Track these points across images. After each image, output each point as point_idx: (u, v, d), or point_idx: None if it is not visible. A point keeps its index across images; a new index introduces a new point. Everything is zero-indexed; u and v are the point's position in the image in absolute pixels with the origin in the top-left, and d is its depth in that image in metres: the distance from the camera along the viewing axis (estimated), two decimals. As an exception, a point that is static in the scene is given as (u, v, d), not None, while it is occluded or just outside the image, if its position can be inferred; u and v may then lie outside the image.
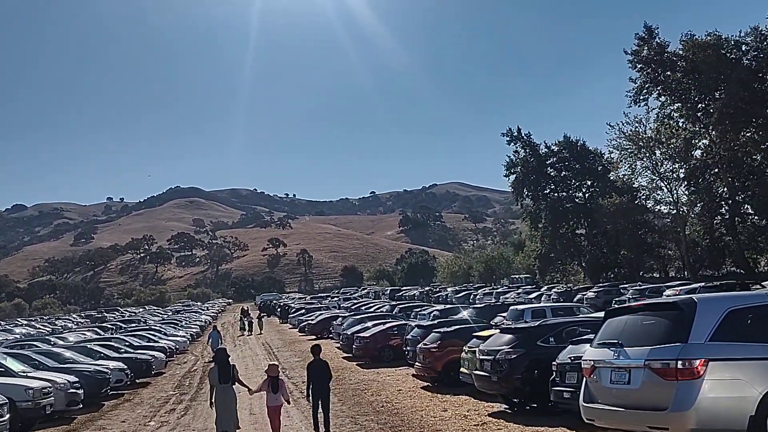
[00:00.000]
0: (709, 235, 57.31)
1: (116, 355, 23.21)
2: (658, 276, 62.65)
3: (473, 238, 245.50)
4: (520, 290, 54.83)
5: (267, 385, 10.92)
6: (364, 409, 13.97)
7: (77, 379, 15.92)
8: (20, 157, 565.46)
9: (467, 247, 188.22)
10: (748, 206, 55.00)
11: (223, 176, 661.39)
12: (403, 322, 27.35)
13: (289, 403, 11.27)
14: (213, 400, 10.60)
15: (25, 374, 14.69)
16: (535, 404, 12.02)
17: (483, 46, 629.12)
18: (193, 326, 50.41)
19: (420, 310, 35.32)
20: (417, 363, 17.81)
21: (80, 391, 15.70)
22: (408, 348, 20.40)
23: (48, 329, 58.07)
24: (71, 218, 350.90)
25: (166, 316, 68.15)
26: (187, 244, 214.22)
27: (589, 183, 68.69)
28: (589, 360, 7.89)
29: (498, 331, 13.71)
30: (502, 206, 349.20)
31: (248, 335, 46.41)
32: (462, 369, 15.32)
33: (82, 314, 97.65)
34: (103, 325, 51.69)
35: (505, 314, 26.29)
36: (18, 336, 47.46)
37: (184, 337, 39.64)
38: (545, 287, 56.54)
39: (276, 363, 12.34)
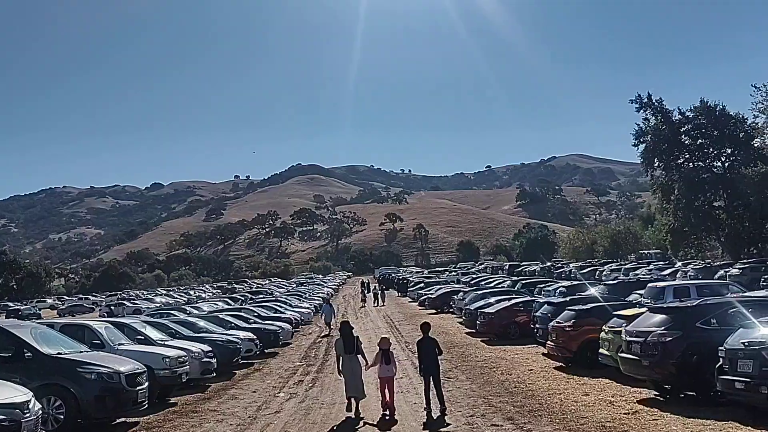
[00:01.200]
0: None
1: (246, 325, 23.91)
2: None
3: (596, 212, 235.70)
4: (651, 266, 51.49)
5: (380, 356, 11.35)
6: (496, 389, 13.22)
7: (211, 349, 16.36)
8: (158, 139, 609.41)
9: (589, 222, 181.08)
10: None
11: (341, 153, 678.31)
12: (529, 298, 26.30)
13: (396, 375, 11.54)
14: (341, 369, 11.51)
15: (163, 343, 15.23)
16: (692, 392, 10.76)
17: (602, 11, 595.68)
18: (316, 298, 51.72)
19: (545, 286, 34.08)
20: (549, 342, 16.80)
21: (213, 360, 16.12)
22: (538, 326, 19.39)
23: (184, 299, 61.98)
24: (203, 195, 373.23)
25: (290, 288, 70.66)
26: (309, 219, 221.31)
27: (729, 151, 62.83)
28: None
29: (646, 310, 12.40)
30: (627, 178, 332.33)
31: (373, 305, 47.44)
32: (601, 350, 14.19)
33: (214, 285, 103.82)
34: (233, 296, 54.38)
35: (641, 292, 24.52)
36: (159, 305, 51.01)
37: (308, 308, 40.64)
38: (680, 263, 52.67)
39: (387, 336, 12.58)
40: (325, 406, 12.78)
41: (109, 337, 13.30)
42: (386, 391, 11.24)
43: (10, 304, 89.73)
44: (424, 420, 10.69)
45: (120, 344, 13.30)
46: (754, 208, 57.52)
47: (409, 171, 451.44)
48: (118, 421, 11.40)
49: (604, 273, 51.96)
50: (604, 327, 14.41)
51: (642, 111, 63.99)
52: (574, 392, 12.29)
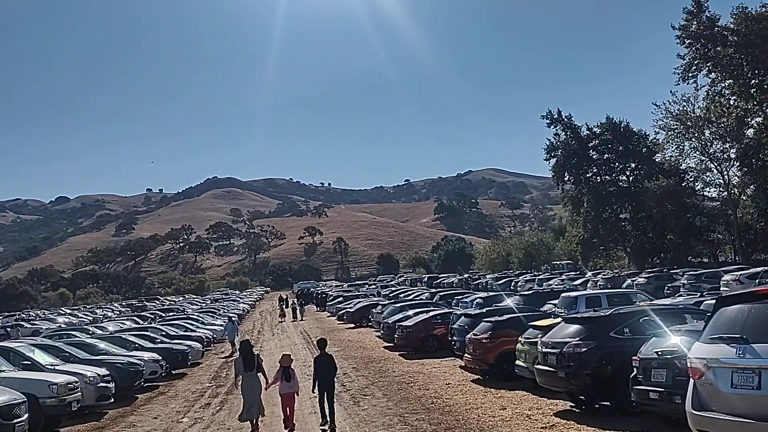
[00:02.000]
0: (764, 218, 54.42)
1: (151, 345, 22.52)
2: (706, 261, 59.92)
3: (510, 224, 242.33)
4: (563, 277, 52.89)
5: (280, 374, 11.49)
6: (413, 406, 12.76)
7: (108, 372, 15.12)
8: (63, 151, 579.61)
9: (504, 234, 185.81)
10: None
11: (259, 166, 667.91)
12: (447, 310, 26.15)
13: (297, 394, 11.68)
14: (240, 387, 11.58)
15: (53, 368, 13.90)
16: (607, 403, 10.67)
17: (515, 26, 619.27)
18: (231, 314, 49.93)
19: (462, 298, 34.15)
20: (466, 354, 16.57)
21: (111, 385, 14.89)
22: (455, 338, 19.19)
23: (89, 318, 58.49)
24: (112, 209, 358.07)
25: (204, 304, 68.20)
26: (225, 233, 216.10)
27: (633, 165, 66.03)
28: (700, 358, 6.49)
29: (561, 320, 12.31)
30: (539, 192, 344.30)
31: (291, 321, 47.56)
32: (518, 362, 14.06)
33: (123, 303, 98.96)
34: (143, 314, 51.72)
35: (555, 302, 24.86)
36: (60, 325, 47.75)
37: (221, 325, 39.05)
38: (590, 273, 54.43)
39: (288, 353, 12.52)
40: (232, 431, 11.93)
41: (-14, 365, 11.91)
42: (287, 408, 11.39)
43: None
44: None
45: (0, 371, 11.92)
46: (656, 219, 60.42)
47: (329, 184, 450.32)
48: None
49: (519, 284, 52.87)
50: (520, 338, 14.30)
51: (552, 126, 66.31)
52: (492, 406, 12.00)
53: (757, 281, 28.03)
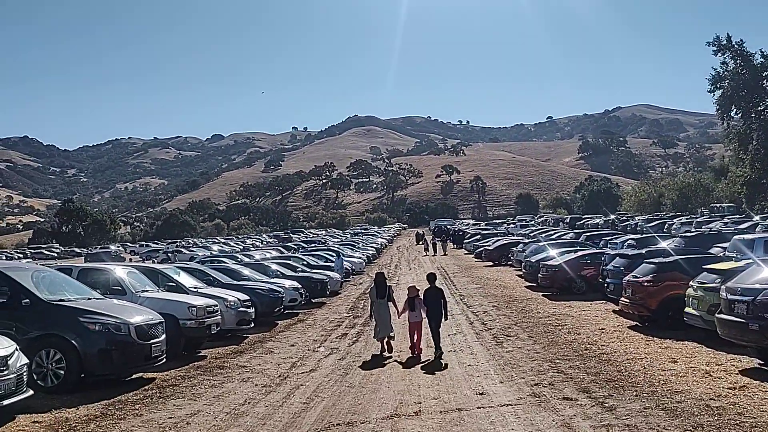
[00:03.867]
0: None
1: (292, 274, 22.80)
2: None
3: (662, 164, 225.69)
4: (726, 220, 47.91)
5: (407, 304, 12.45)
6: (564, 351, 11.46)
7: (248, 297, 15.16)
8: (218, 91, 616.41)
9: (655, 175, 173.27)
10: None
11: (398, 105, 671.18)
12: (597, 250, 24.20)
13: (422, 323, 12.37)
14: (372, 313, 12.95)
15: (196, 290, 14.07)
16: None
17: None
18: (369, 248, 50.66)
19: (611, 239, 31.86)
20: (623, 299, 14.85)
21: (251, 310, 14.93)
22: (609, 280, 17.42)
23: (240, 247, 62.07)
24: (261, 147, 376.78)
25: (344, 237, 69.95)
26: (365, 171, 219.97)
27: (815, 97, 57.87)
28: None
29: (752, 263, 10.32)
30: (696, 129, 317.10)
31: (431, 255, 48.57)
32: (687, 309, 12.23)
33: (271, 234, 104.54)
34: (287, 244, 53.85)
35: (724, 245, 22.06)
36: (215, 252, 50.94)
37: (360, 258, 39.55)
38: (758, 217, 48.87)
39: (414, 285, 13.53)
40: (367, 364, 11.38)
41: (132, 284, 12.10)
42: (414, 334, 12.26)
43: (77, 249, 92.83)
44: (431, 359, 11.58)
45: (143, 291, 12.10)
46: (843, 158, 52.88)
47: (467, 122, 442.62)
48: (132, 377, 10.20)
49: (674, 227, 48.70)
50: (691, 282, 12.41)
51: (720, 54, 59.64)
52: (659, 358, 10.40)
53: None
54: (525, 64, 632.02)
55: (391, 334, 12.65)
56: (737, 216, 53.21)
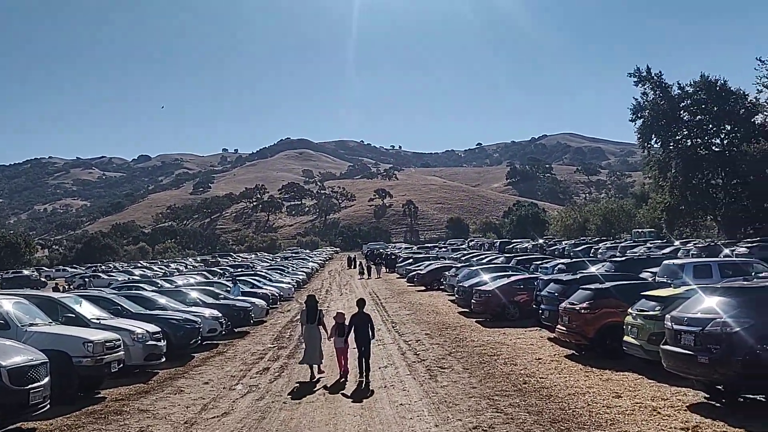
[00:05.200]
0: None
1: (213, 301, 21.34)
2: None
3: (586, 191, 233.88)
4: (648, 245, 49.26)
5: (335, 330, 12.62)
6: (502, 385, 10.67)
7: (159, 329, 13.73)
8: (145, 111, 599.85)
9: (579, 201, 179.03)
10: None
11: (331, 128, 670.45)
12: (529, 275, 23.87)
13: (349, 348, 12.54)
14: (302, 335, 13.20)
15: (98, 322, 12.56)
16: (763, 397, 8.30)
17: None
18: (299, 273, 49.22)
19: (541, 264, 31.91)
20: (559, 326, 14.31)
21: (162, 343, 13.51)
22: (544, 306, 16.94)
23: (162, 272, 59.28)
24: (190, 168, 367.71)
25: (274, 262, 68.07)
26: (297, 193, 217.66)
27: (728, 128, 60.65)
28: None
29: (695, 290, 9.87)
30: (617, 158, 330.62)
31: (365, 278, 48.77)
32: (626, 338, 11.75)
33: (198, 258, 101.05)
34: (213, 269, 51.71)
35: (653, 270, 22.15)
36: (136, 277, 48.22)
37: (289, 283, 38.15)
38: (678, 242, 50.48)
39: (343, 312, 13.73)
40: (288, 405, 10.24)
41: (18, 317, 10.49)
42: (341, 359, 12.54)
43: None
44: (354, 388, 11.45)
45: (32, 325, 10.54)
46: (753, 186, 55.40)
47: (400, 147, 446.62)
48: (5, 429, 8.57)
49: (600, 251, 49.74)
50: (630, 310, 11.96)
51: (640, 85, 61.63)
52: (602, 392, 9.76)
53: None
54: (456, 92, 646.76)
55: (322, 361, 12.86)
56: (658, 241, 54.94)
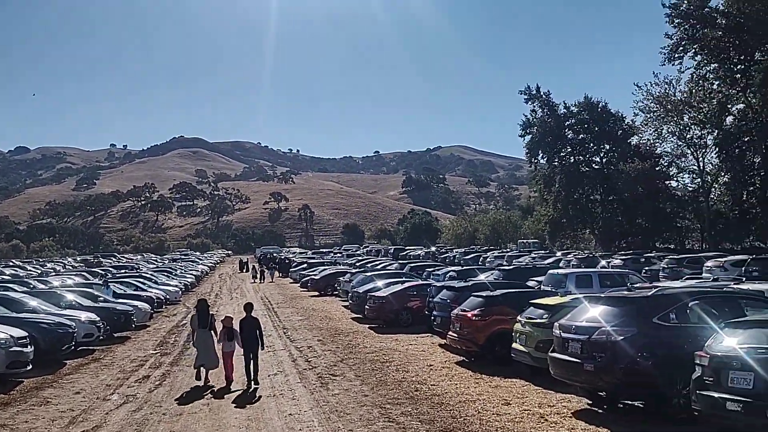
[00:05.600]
0: (739, 206, 53.77)
1: (91, 304, 19.91)
2: (672, 247, 59.30)
3: (476, 202, 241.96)
4: (533, 255, 51.61)
5: (224, 334, 12.41)
6: (394, 393, 10.56)
7: (27, 334, 12.58)
8: (24, 99, 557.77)
9: (470, 211, 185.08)
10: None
11: (227, 128, 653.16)
12: (423, 282, 24.14)
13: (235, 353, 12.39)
14: (194, 341, 12.63)
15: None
16: (639, 404, 8.67)
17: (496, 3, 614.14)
18: (188, 276, 47.33)
19: (433, 270, 32.45)
20: (450, 333, 14.47)
21: (28, 349, 12.37)
22: (435, 313, 17.11)
23: (37, 272, 55.25)
24: (74, 163, 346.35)
25: (161, 264, 65.26)
26: (189, 193, 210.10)
27: (607, 147, 64.95)
28: None
29: (581, 299, 10.21)
30: (506, 171, 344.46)
31: (258, 283, 47.73)
32: (515, 345, 12.02)
33: (78, 258, 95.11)
34: (94, 270, 48.72)
35: (540, 279, 23.04)
36: (6, 277, 44.48)
37: (176, 287, 36.52)
38: (560, 253, 53.21)
39: (231, 316, 13.21)
40: (168, 417, 9.58)
41: None
42: (228, 364, 12.24)
43: None
44: (240, 396, 11.11)
45: None
46: (627, 202, 59.43)
47: (297, 151, 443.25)
48: None
49: (488, 260, 51.51)
50: (519, 318, 12.25)
51: (530, 102, 64.61)
52: (491, 399, 9.87)
53: (743, 269, 26.74)
54: (355, 99, 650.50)
55: (214, 365, 12.39)
56: (542, 251, 57.64)
